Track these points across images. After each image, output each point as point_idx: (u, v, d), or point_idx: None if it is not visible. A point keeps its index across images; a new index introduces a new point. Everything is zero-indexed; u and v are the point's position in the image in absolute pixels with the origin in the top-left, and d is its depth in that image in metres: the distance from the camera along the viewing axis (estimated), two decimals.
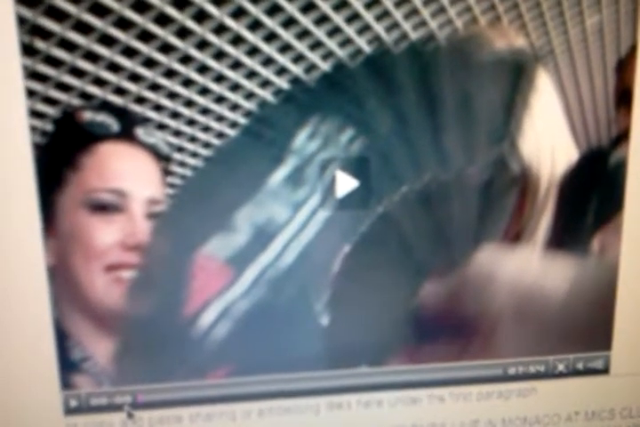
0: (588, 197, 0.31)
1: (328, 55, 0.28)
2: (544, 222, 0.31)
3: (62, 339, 0.29)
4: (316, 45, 0.28)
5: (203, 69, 0.28)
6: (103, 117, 0.28)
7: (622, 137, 0.30)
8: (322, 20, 0.28)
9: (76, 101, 0.27)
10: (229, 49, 0.28)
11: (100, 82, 0.27)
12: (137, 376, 0.30)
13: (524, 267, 0.31)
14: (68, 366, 0.30)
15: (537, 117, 0.30)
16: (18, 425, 0.30)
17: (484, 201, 0.30)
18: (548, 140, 0.30)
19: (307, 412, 0.31)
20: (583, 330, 0.32)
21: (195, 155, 0.29)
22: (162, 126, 0.28)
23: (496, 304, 0.30)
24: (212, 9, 0.27)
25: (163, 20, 0.27)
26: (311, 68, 0.28)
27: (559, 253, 0.31)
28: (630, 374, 0.33)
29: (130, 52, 0.27)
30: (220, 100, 0.28)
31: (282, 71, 0.28)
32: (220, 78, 0.28)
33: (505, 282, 0.30)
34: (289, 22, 0.28)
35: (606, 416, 0.34)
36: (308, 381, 0.31)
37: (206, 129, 0.28)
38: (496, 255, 0.31)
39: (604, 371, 0.33)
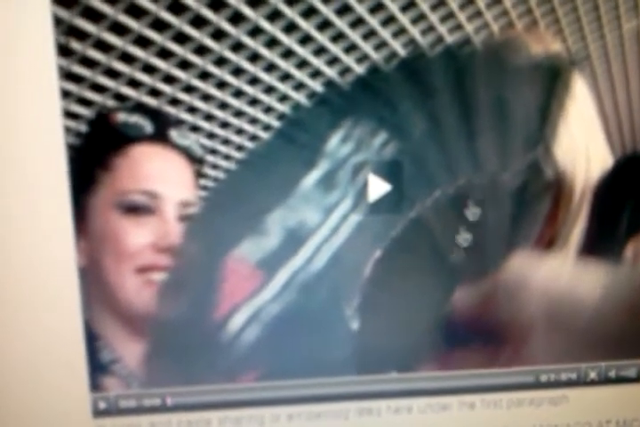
0: (622, 204, 0.31)
1: (363, 58, 0.28)
2: (577, 229, 0.31)
3: (92, 341, 0.29)
4: (351, 48, 0.28)
5: (237, 72, 0.28)
6: (137, 119, 0.28)
7: None
8: (357, 22, 0.28)
9: (110, 103, 0.27)
10: (264, 51, 0.27)
11: (134, 83, 0.27)
12: (166, 379, 0.30)
13: (557, 273, 0.30)
14: (98, 368, 0.30)
15: (572, 123, 0.30)
16: None
17: (517, 206, 0.30)
18: (582, 146, 0.30)
19: (336, 417, 0.31)
20: (616, 338, 0.31)
21: (228, 157, 0.28)
22: (195, 128, 0.28)
23: (528, 311, 0.30)
24: (247, 11, 0.27)
25: (198, 21, 0.27)
26: (346, 71, 0.28)
27: (592, 260, 0.31)
28: None
29: (165, 54, 0.27)
30: (253, 102, 0.28)
31: (316, 74, 0.28)
32: (254, 81, 0.28)
33: (537, 289, 0.30)
34: (324, 25, 0.27)
35: (638, 425, 0.33)
36: (337, 386, 0.31)
37: (240, 132, 0.28)
38: (529, 261, 0.30)
39: (637, 379, 0.32)
